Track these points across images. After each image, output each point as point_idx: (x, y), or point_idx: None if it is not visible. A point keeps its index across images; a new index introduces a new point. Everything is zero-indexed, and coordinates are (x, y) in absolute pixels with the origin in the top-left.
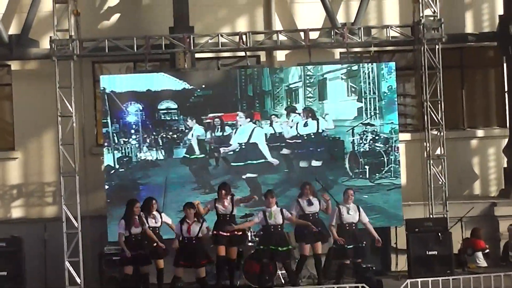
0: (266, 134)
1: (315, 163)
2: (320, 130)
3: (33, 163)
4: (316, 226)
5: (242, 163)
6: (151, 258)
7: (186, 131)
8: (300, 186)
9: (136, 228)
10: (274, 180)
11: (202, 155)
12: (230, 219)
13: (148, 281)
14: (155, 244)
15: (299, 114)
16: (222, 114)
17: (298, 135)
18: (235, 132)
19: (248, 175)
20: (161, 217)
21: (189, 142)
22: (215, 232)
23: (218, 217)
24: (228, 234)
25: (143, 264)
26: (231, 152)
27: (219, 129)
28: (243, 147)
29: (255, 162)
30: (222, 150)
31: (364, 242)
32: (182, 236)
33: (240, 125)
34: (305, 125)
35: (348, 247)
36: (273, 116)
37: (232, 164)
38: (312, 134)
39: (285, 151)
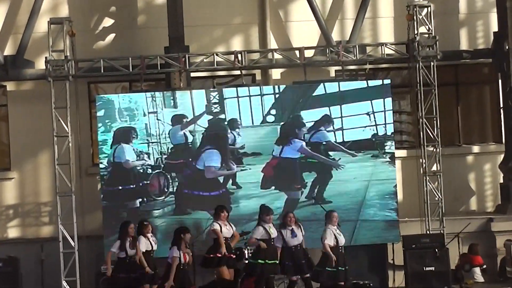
0: None
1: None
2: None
3: (29, 183)
4: (301, 259)
5: None
6: (142, 283)
7: None
8: (282, 216)
9: (131, 250)
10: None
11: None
12: (230, 241)
13: None
14: (146, 270)
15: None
16: None
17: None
18: None
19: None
20: (155, 241)
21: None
22: (212, 255)
23: (215, 240)
24: (231, 256)
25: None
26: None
27: None
28: None
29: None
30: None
31: (347, 267)
32: (179, 262)
33: None
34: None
35: (341, 269)
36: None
37: None
38: None
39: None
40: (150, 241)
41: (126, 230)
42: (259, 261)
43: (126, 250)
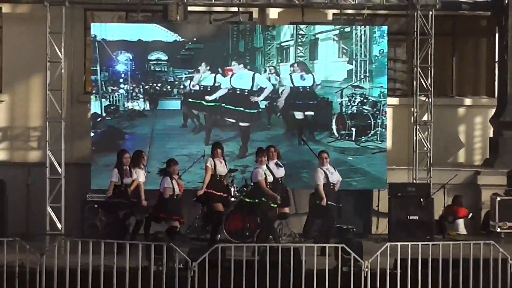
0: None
1: (308, 114)
2: (315, 84)
3: (19, 107)
4: (283, 192)
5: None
6: (133, 211)
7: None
8: (265, 149)
9: (127, 178)
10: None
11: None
12: (223, 180)
13: (128, 231)
14: (142, 203)
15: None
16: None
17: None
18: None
19: (241, 124)
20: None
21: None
22: (206, 190)
23: (211, 176)
24: (221, 194)
25: (124, 212)
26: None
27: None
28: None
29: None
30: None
31: (341, 204)
32: (173, 191)
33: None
34: (302, 78)
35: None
36: (270, 68)
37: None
38: (308, 87)
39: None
40: (143, 173)
41: (121, 159)
42: (256, 200)
43: (122, 179)
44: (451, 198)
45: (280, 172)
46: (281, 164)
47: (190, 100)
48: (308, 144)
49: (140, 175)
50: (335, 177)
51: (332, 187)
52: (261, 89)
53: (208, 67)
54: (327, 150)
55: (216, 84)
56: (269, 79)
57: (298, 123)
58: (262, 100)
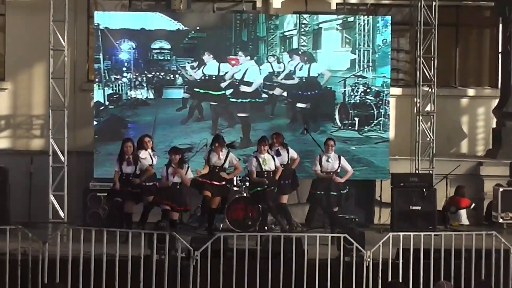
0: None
1: (308, 105)
2: (315, 75)
3: (22, 95)
4: (286, 179)
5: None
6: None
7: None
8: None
9: (127, 167)
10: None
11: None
12: (219, 171)
13: (131, 220)
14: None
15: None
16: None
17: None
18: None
19: (239, 114)
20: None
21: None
22: (200, 179)
23: (209, 167)
24: (216, 183)
25: (131, 200)
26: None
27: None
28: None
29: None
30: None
31: (343, 192)
32: (167, 180)
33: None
34: (301, 68)
35: (332, 193)
36: (270, 57)
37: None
38: (304, 78)
39: (277, 91)
40: (150, 156)
41: (122, 148)
42: (259, 188)
43: (121, 167)
44: (454, 188)
45: (283, 158)
46: (281, 153)
47: (194, 89)
48: (311, 134)
49: (147, 159)
50: (331, 165)
51: (332, 175)
52: (253, 81)
53: (211, 56)
54: (334, 139)
55: (221, 74)
56: (272, 68)
57: (301, 113)
58: (252, 91)
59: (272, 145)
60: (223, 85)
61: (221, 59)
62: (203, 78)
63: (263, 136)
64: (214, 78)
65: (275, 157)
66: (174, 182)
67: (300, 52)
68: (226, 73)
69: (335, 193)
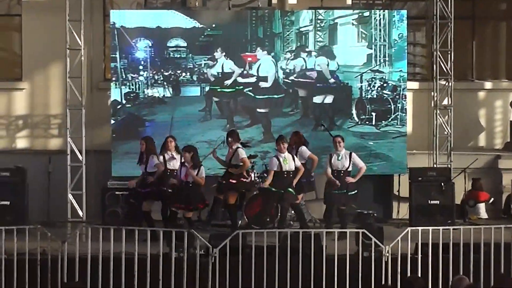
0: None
1: (328, 99)
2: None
3: (39, 95)
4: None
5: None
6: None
7: (211, 63)
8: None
9: (142, 166)
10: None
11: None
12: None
13: (151, 218)
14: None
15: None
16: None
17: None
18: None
19: (259, 110)
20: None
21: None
22: (223, 181)
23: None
24: (236, 181)
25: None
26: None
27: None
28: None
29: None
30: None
31: (351, 193)
32: (179, 179)
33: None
34: (318, 64)
35: (335, 192)
36: (287, 53)
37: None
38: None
39: (294, 87)
40: (165, 159)
41: (140, 147)
42: (281, 190)
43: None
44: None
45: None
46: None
47: (210, 86)
48: (328, 129)
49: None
50: (341, 163)
51: (335, 174)
52: (267, 75)
53: (224, 53)
54: (341, 135)
55: (236, 71)
56: (288, 63)
57: (317, 108)
58: (269, 87)
59: (290, 145)
60: (228, 82)
61: (233, 56)
62: (218, 75)
63: (281, 135)
64: (227, 75)
65: (295, 156)
66: (186, 181)
67: (317, 48)
68: (234, 71)
69: (345, 191)
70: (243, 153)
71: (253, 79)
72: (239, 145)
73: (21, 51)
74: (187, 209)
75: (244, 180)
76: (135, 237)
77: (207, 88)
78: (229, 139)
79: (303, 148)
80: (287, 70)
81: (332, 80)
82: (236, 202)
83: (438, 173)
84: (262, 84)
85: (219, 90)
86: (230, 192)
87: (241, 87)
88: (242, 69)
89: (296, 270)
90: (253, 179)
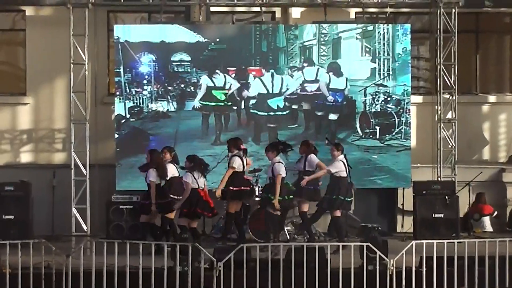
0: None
1: (332, 116)
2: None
3: (44, 109)
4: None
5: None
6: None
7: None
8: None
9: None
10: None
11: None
12: (241, 174)
13: (156, 230)
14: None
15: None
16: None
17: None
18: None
19: (269, 125)
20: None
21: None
22: (226, 188)
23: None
24: (237, 189)
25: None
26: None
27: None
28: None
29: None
30: (244, 94)
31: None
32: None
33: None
34: (322, 78)
35: (341, 198)
36: (292, 69)
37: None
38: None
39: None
40: (163, 171)
41: (158, 157)
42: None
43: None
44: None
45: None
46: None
47: (213, 101)
48: (332, 143)
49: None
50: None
51: (343, 181)
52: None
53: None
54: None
55: (239, 85)
56: (292, 78)
57: (321, 122)
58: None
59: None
60: (226, 95)
61: (238, 70)
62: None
63: (272, 143)
64: (231, 90)
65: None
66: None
67: (321, 62)
68: (231, 85)
69: (342, 198)
70: (234, 160)
71: (255, 93)
72: (236, 153)
73: (25, 66)
74: (196, 218)
75: (245, 188)
76: (139, 251)
77: (210, 103)
78: (228, 145)
79: (312, 156)
80: (290, 85)
81: (330, 98)
82: (237, 213)
83: (442, 186)
84: (266, 98)
85: (213, 104)
86: (231, 200)
87: (245, 104)
88: (241, 83)
89: (300, 284)
90: (257, 193)
